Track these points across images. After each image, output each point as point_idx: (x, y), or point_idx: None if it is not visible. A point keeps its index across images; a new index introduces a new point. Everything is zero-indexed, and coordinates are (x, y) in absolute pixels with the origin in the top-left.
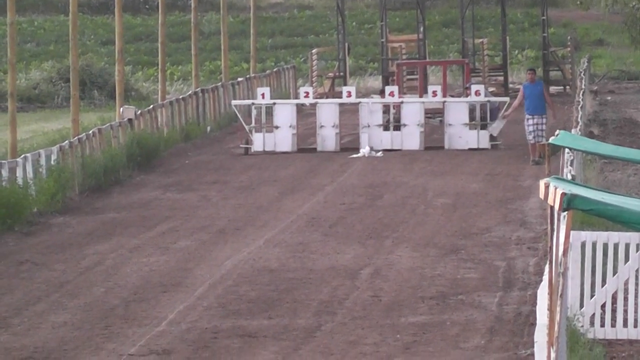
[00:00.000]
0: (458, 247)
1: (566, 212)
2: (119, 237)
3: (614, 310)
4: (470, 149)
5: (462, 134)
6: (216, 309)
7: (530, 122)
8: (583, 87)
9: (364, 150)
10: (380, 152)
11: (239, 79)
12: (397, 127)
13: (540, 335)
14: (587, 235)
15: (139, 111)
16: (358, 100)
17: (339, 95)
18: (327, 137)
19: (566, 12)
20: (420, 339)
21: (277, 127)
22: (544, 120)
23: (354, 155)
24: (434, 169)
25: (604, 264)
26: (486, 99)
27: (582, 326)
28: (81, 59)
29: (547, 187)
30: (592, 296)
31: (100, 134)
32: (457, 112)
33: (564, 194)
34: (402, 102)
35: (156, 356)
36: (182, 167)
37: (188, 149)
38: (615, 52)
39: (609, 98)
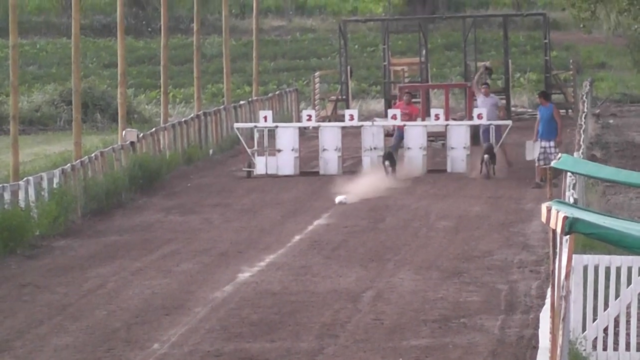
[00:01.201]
0: (460, 270)
1: (568, 235)
2: (121, 259)
3: (616, 334)
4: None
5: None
6: (218, 331)
7: (540, 145)
8: (585, 110)
9: (341, 197)
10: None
11: (242, 102)
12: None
13: (543, 359)
14: (589, 259)
15: (141, 134)
16: (360, 123)
17: (341, 118)
18: (330, 160)
19: (568, 35)
20: None
21: (279, 150)
22: (552, 144)
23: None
24: (436, 192)
25: (606, 287)
26: (488, 122)
27: (585, 350)
28: (83, 81)
29: (549, 210)
30: (594, 320)
31: (103, 156)
32: (459, 135)
33: (565, 218)
34: (404, 126)
35: None
36: (185, 190)
37: (190, 172)
38: (618, 75)
39: (611, 121)
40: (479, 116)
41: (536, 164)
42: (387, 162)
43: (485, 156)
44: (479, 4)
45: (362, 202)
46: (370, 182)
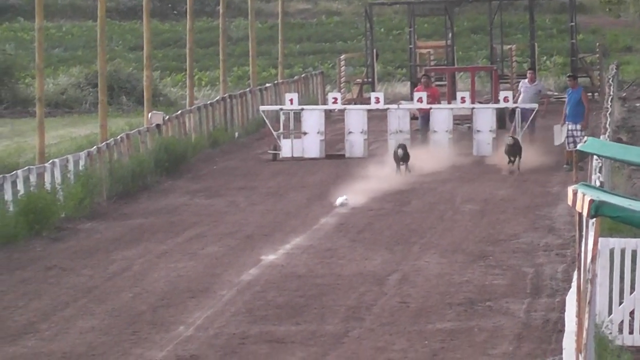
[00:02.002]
0: (486, 254)
1: (594, 218)
2: (147, 242)
3: None
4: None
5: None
6: (244, 314)
7: (567, 128)
8: (611, 93)
9: (341, 199)
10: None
11: (267, 85)
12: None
13: (569, 342)
14: (616, 242)
15: (167, 117)
16: (386, 106)
17: (367, 101)
18: (355, 143)
19: (595, 19)
20: (448, 345)
21: (305, 133)
22: (578, 127)
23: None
24: (462, 175)
25: (632, 270)
26: (515, 105)
27: (611, 333)
28: (109, 64)
29: (575, 193)
30: (620, 303)
31: (128, 139)
32: (485, 118)
33: (592, 201)
34: (430, 109)
35: None
36: (210, 173)
37: (216, 155)
38: None
39: (637, 104)
40: (505, 99)
41: (566, 148)
42: (400, 151)
43: (511, 156)
44: None
45: (388, 185)
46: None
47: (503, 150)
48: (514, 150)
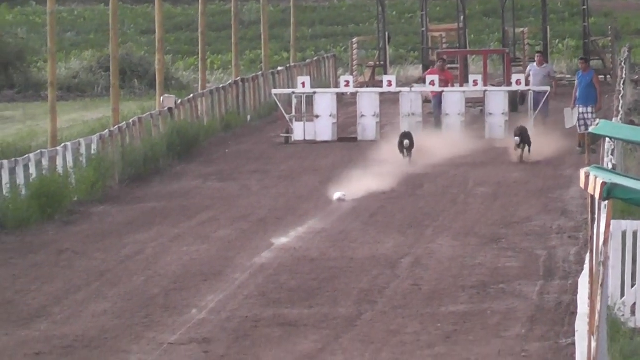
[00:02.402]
0: (499, 236)
1: (606, 201)
2: (159, 226)
3: None
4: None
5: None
6: (257, 297)
7: (577, 111)
8: (624, 76)
9: (338, 194)
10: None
11: (279, 68)
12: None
13: (581, 325)
14: (628, 225)
15: (179, 100)
16: (398, 89)
17: (379, 84)
18: (368, 127)
19: (607, 2)
20: (460, 328)
21: (317, 116)
22: (590, 109)
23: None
24: (474, 158)
25: None
26: (527, 88)
27: (623, 315)
28: (121, 48)
29: (587, 176)
30: (632, 285)
31: (141, 123)
32: (497, 101)
33: (604, 183)
34: (442, 92)
35: (196, 345)
36: (223, 157)
37: (228, 138)
38: None
39: None
40: (518, 82)
41: (578, 131)
42: (406, 142)
43: (516, 138)
44: None
45: (400, 168)
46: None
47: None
48: (524, 137)
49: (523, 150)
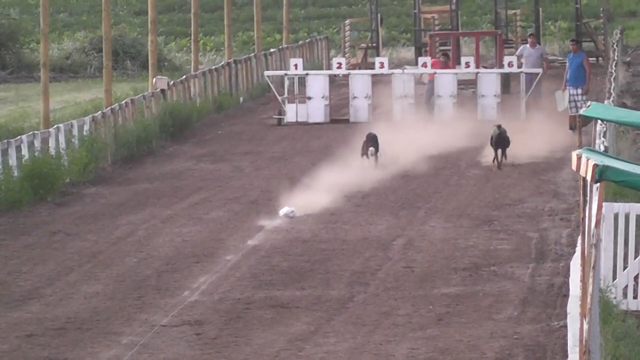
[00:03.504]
0: (491, 218)
1: (598, 183)
2: (152, 207)
3: None
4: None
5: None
6: (249, 279)
7: (568, 92)
8: (616, 58)
9: (285, 210)
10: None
11: (272, 50)
12: None
13: (573, 307)
14: (620, 207)
15: (172, 82)
16: (390, 71)
17: (371, 66)
18: (360, 108)
19: None
20: (453, 310)
21: (309, 98)
22: (580, 91)
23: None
24: (466, 140)
25: (637, 235)
26: (519, 70)
27: (615, 298)
28: (114, 29)
29: (579, 158)
30: (624, 268)
31: (133, 104)
32: (489, 83)
33: (595, 166)
34: (435, 74)
35: (188, 327)
36: (215, 138)
37: (221, 120)
38: None
39: None
40: (510, 64)
41: (569, 112)
42: (371, 149)
43: (498, 151)
44: None
45: (392, 149)
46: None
47: (489, 142)
48: (501, 142)
49: (501, 157)
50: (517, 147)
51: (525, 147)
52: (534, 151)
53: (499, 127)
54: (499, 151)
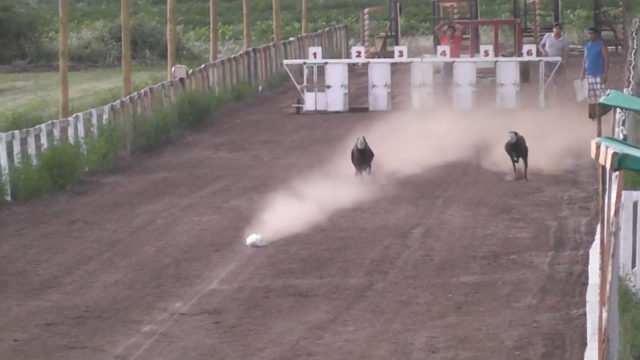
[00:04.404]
0: (510, 207)
1: (617, 171)
2: (171, 196)
3: None
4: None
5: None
6: (267, 268)
7: (588, 81)
8: (635, 47)
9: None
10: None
11: (291, 39)
12: None
13: (592, 295)
14: (639, 195)
15: (191, 70)
16: (409, 59)
17: (390, 54)
18: (379, 97)
19: None
20: (471, 298)
21: (328, 87)
22: (598, 80)
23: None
24: (485, 129)
25: None
26: (538, 58)
27: (634, 286)
28: (133, 18)
29: (598, 146)
30: None
31: (152, 93)
32: (508, 71)
33: (615, 154)
34: (453, 62)
35: (207, 315)
36: (234, 127)
37: (239, 109)
38: None
39: None
40: (529, 52)
41: (588, 101)
42: (364, 166)
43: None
44: None
45: (411, 138)
46: None
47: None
48: (517, 149)
49: (524, 167)
50: (536, 136)
51: (544, 135)
52: (552, 140)
53: (515, 134)
54: (520, 160)
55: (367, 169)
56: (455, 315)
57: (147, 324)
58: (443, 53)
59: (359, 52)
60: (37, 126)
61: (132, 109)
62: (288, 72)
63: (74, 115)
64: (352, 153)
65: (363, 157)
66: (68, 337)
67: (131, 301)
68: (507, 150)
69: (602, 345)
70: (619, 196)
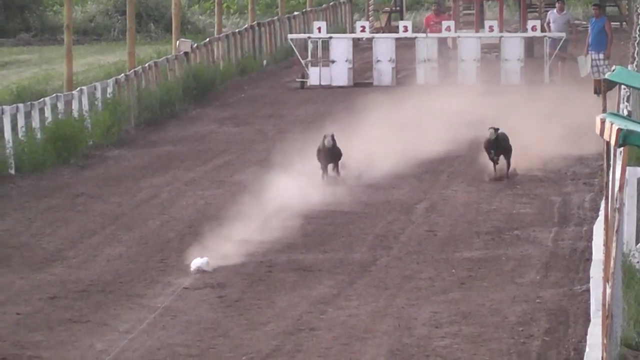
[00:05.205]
0: (514, 182)
1: (622, 148)
2: (175, 170)
3: None
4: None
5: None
6: (271, 242)
7: (590, 57)
8: (639, 23)
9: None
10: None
11: (295, 13)
12: None
13: (596, 271)
14: None
15: (195, 44)
16: (414, 35)
17: (395, 30)
18: (384, 72)
19: None
20: (475, 274)
21: (333, 62)
22: (601, 56)
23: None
24: (489, 104)
25: None
26: (543, 34)
27: (638, 262)
28: None
29: (603, 123)
30: None
31: (156, 67)
32: (513, 47)
33: (619, 130)
34: (458, 37)
35: (211, 289)
36: (238, 101)
37: (244, 83)
38: None
39: None
40: (533, 28)
41: (592, 77)
42: (330, 165)
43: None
44: None
45: (415, 113)
46: None
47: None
48: (497, 147)
49: (507, 167)
50: (540, 112)
51: (548, 111)
52: (557, 116)
53: (496, 130)
54: (500, 158)
55: (335, 168)
56: (459, 291)
57: (151, 298)
58: (448, 29)
59: (364, 27)
60: (42, 99)
61: (136, 82)
62: (292, 46)
63: (78, 88)
64: (318, 150)
65: (330, 156)
66: (71, 310)
67: (135, 275)
68: (485, 148)
69: (606, 321)
70: (623, 172)
